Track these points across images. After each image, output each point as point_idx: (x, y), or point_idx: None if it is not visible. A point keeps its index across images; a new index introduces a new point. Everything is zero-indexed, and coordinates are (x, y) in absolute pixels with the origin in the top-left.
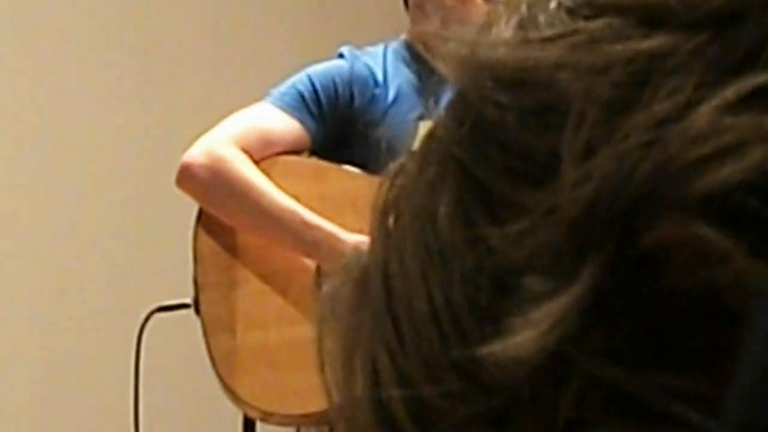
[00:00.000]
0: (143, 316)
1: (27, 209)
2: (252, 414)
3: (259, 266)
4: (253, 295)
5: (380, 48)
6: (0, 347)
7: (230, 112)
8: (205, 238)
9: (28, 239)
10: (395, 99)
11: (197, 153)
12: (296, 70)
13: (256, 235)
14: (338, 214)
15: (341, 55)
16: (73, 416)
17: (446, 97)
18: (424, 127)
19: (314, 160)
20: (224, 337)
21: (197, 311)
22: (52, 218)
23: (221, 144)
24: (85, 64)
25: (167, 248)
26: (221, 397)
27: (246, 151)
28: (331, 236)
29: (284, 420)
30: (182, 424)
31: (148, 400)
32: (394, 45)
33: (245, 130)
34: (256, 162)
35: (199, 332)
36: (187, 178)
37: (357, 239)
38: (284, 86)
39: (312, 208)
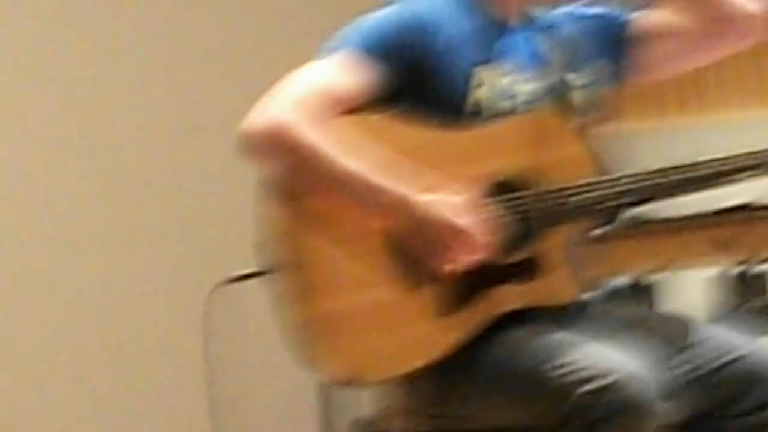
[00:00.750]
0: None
1: (94, 188)
2: (334, 380)
3: (332, 230)
4: (327, 259)
5: None
6: (72, 322)
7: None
8: (274, 206)
9: (99, 217)
10: (451, 46)
11: (257, 121)
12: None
13: (324, 201)
14: (408, 169)
15: (394, 2)
16: (147, 388)
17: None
18: (479, 74)
19: (379, 116)
20: (302, 305)
21: (270, 278)
22: (120, 197)
23: (282, 110)
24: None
25: (232, 220)
26: (293, 366)
27: (309, 113)
28: (398, 200)
29: (368, 384)
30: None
31: (217, 369)
32: None
33: (307, 91)
34: (321, 119)
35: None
36: (249, 147)
37: (425, 199)
38: (356, 32)
39: (381, 165)
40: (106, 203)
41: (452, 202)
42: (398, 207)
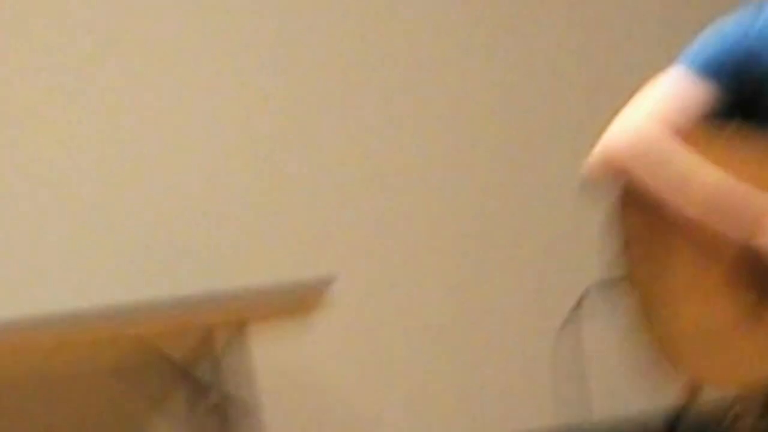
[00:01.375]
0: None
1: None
2: (697, 389)
3: (689, 237)
4: (683, 269)
5: None
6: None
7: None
8: (628, 217)
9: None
10: None
11: (622, 135)
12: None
13: (684, 214)
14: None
15: (753, 6)
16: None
17: None
18: None
19: (730, 130)
20: (662, 315)
21: (627, 286)
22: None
23: (645, 123)
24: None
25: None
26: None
27: (668, 126)
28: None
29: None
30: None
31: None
32: None
33: (665, 104)
34: (679, 135)
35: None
36: (612, 158)
37: None
38: (696, 48)
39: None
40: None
41: None
42: (743, 233)
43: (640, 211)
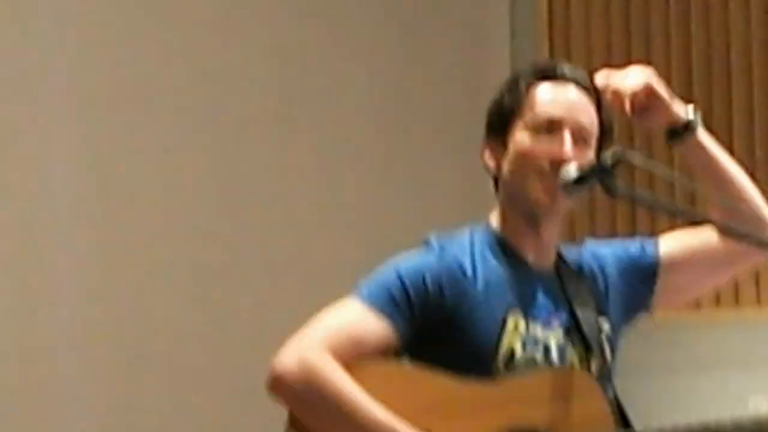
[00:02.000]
0: None
1: None
2: None
3: None
4: None
5: (466, 234)
6: None
7: None
8: None
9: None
10: (484, 291)
11: (289, 361)
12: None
13: None
14: (431, 421)
15: (428, 243)
16: None
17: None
18: (511, 320)
19: (404, 365)
20: None
21: None
22: None
23: (313, 351)
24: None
25: None
26: None
27: (337, 356)
28: None
29: None
30: None
31: None
32: (481, 231)
33: (336, 334)
34: (347, 366)
35: None
36: (279, 387)
37: None
38: (373, 282)
39: (403, 415)
40: None
41: None
42: None
43: None
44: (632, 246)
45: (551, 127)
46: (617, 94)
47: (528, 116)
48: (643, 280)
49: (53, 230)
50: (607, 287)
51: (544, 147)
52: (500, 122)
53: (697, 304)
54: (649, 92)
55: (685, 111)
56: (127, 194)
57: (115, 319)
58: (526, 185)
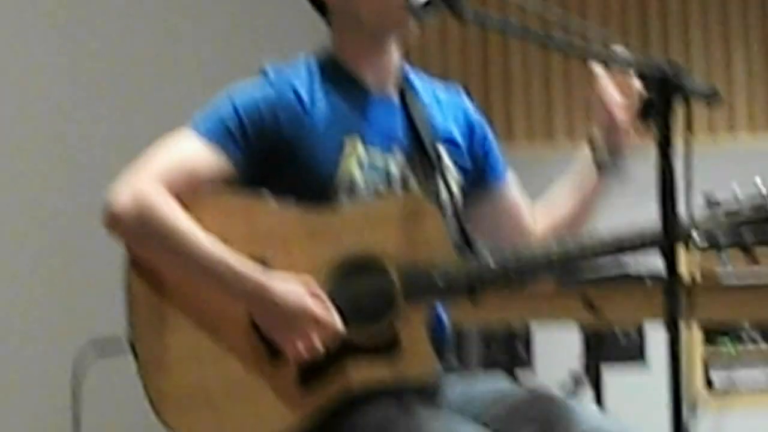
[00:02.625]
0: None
1: None
2: None
3: (192, 304)
4: (186, 333)
5: (302, 62)
6: None
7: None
8: (136, 278)
9: None
10: (322, 119)
11: (123, 198)
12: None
13: (185, 282)
14: (267, 250)
15: (264, 73)
16: None
17: (373, 112)
18: (349, 145)
19: (242, 195)
20: (160, 376)
21: (132, 348)
22: None
23: (147, 187)
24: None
25: (105, 284)
26: None
27: (172, 188)
28: (258, 286)
29: None
30: None
31: None
32: (317, 58)
33: (170, 167)
34: (183, 198)
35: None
36: (115, 224)
37: (284, 287)
38: (207, 114)
39: (241, 246)
40: None
41: (303, 287)
42: (259, 293)
43: (144, 272)
44: (494, 151)
45: None
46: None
47: None
48: (479, 177)
49: None
50: (467, 134)
51: None
52: None
53: (549, 136)
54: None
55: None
56: None
57: None
58: (382, 12)
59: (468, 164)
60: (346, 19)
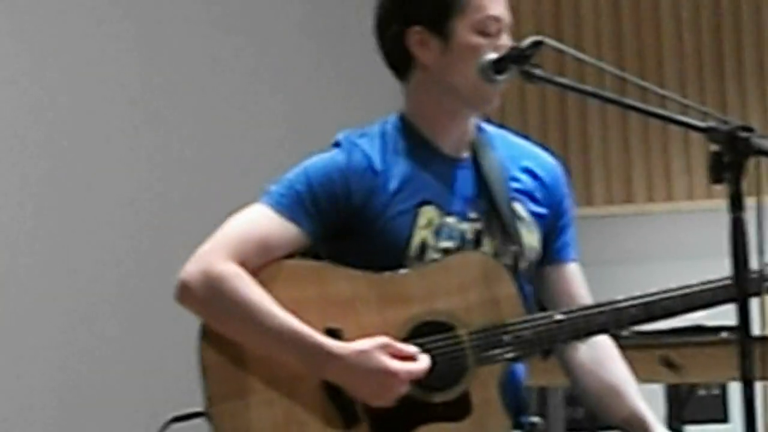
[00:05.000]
0: (159, 426)
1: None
2: None
3: (266, 374)
4: (261, 402)
5: (377, 129)
6: None
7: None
8: (209, 350)
9: (46, 349)
10: (396, 186)
11: (194, 270)
12: (297, 149)
13: (258, 352)
14: (339, 316)
15: (338, 143)
16: None
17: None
18: (424, 215)
19: (314, 262)
20: None
21: (210, 421)
22: (68, 329)
23: (218, 260)
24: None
25: (180, 358)
26: None
27: (244, 262)
28: (332, 355)
29: None
30: None
31: None
32: (393, 124)
33: (243, 240)
34: (255, 271)
35: None
36: (185, 296)
37: (356, 349)
38: (282, 186)
39: (313, 313)
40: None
41: (377, 345)
42: (331, 360)
43: (219, 346)
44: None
45: (496, 29)
46: None
47: (476, 17)
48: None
49: None
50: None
51: (491, 48)
52: (440, 16)
53: (630, 197)
54: None
55: None
56: None
57: None
58: (476, 85)
59: (546, 217)
60: (434, 83)
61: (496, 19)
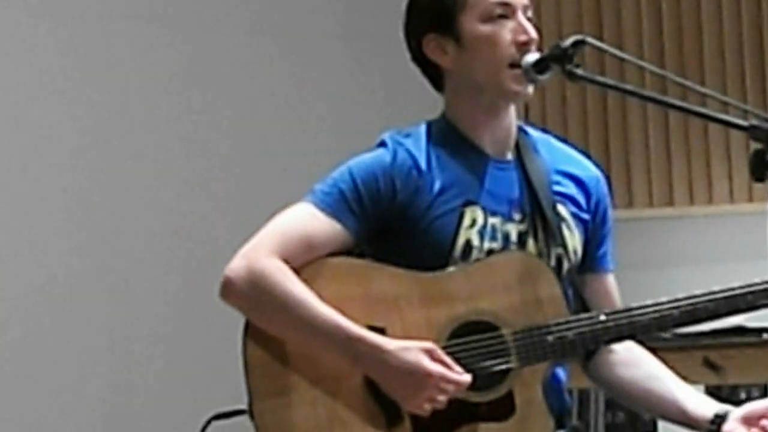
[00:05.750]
0: (202, 423)
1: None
2: None
3: (309, 372)
4: (304, 400)
5: (422, 129)
6: None
7: (272, 203)
8: (253, 347)
9: (90, 348)
10: (441, 186)
11: (238, 266)
12: (339, 151)
13: (301, 347)
14: (383, 314)
15: (383, 143)
16: None
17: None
18: (468, 215)
19: (358, 260)
20: None
21: (252, 418)
22: (113, 327)
23: (262, 256)
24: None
25: (223, 355)
26: None
27: (288, 259)
28: (374, 347)
29: None
30: None
31: None
32: (437, 126)
33: (287, 237)
34: (299, 268)
35: None
36: (229, 292)
37: (399, 345)
38: (326, 184)
39: (356, 310)
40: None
41: (421, 347)
42: (374, 353)
43: (262, 344)
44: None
45: (505, 11)
46: None
47: (479, 6)
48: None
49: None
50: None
51: (505, 34)
52: (445, 18)
53: (671, 200)
54: None
55: None
56: None
57: None
58: (497, 75)
59: (588, 223)
60: (461, 84)
61: (503, 3)
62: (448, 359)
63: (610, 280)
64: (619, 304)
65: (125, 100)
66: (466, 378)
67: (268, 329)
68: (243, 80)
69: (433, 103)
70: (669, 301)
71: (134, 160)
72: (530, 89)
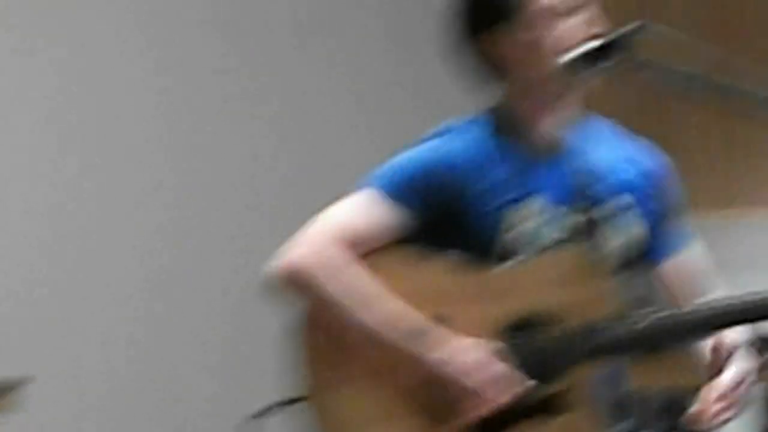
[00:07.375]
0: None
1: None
2: None
3: (365, 364)
4: (359, 393)
5: (477, 119)
6: None
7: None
8: (310, 337)
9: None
10: (495, 179)
11: (304, 254)
12: (392, 144)
13: (362, 337)
14: (441, 308)
15: (437, 134)
16: None
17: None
18: (522, 207)
19: (413, 252)
20: None
21: (307, 409)
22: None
23: (326, 244)
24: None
25: (260, 351)
26: None
27: (352, 246)
28: (437, 341)
29: None
30: None
31: None
32: (491, 117)
33: (348, 225)
34: (362, 256)
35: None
36: (296, 279)
37: (469, 342)
38: (384, 172)
39: (420, 303)
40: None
41: (465, 359)
42: (413, 365)
43: (319, 334)
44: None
45: (575, 6)
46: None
47: (545, 2)
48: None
49: None
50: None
51: (573, 30)
52: (507, 12)
53: (729, 204)
54: None
55: None
56: None
57: None
58: (544, 69)
59: (654, 209)
60: (528, 74)
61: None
62: (494, 367)
63: (688, 257)
64: (706, 278)
65: (183, 100)
66: (530, 383)
67: (330, 317)
68: (291, 79)
69: (468, 100)
70: (727, 299)
71: (188, 151)
72: (590, 81)
